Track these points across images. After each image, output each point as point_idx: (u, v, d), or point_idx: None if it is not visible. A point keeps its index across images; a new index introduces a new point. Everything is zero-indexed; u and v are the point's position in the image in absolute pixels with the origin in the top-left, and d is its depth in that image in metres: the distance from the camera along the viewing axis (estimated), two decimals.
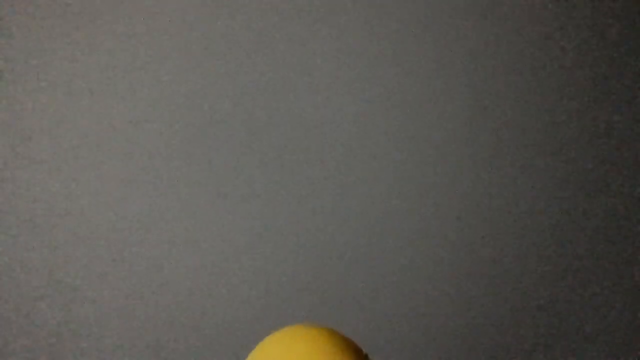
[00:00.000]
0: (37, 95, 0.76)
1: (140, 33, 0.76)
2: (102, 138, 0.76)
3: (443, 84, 0.79)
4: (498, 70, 0.79)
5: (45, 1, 0.75)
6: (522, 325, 0.80)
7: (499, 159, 0.79)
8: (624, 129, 0.80)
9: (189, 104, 0.77)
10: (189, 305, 0.77)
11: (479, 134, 0.79)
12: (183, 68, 0.77)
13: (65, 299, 0.76)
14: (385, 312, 0.79)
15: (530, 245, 0.80)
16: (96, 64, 0.76)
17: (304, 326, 0.60)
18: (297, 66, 0.77)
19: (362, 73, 0.78)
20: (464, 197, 0.79)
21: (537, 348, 0.80)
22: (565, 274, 0.80)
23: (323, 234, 0.78)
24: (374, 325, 0.79)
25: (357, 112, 0.78)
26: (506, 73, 0.79)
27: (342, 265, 0.79)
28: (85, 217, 0.76)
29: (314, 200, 0.78)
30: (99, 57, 0.76)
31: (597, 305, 0.80)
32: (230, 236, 0.78)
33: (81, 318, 0.76)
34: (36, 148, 0.76)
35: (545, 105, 0.80)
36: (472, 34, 0.79)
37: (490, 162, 0.79)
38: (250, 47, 0.77)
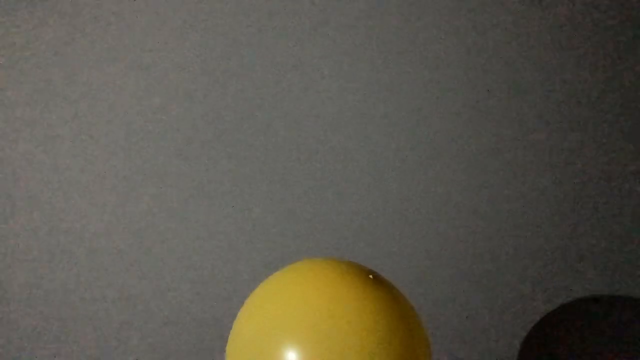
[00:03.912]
0: (36, 95, 0.76)
1: (140, 33, 0.76)
2: (102, 138, 0.77)
3: (443, 84, 0.79)
4: (498, 70, 0.79)
5: (46, 1, 0.76)
6: (521, 325, 0.79)
7: (499, 159, 0.79)
8: (625, 129, 0.80)
9: (189, 104, 0.77)
10: (189, 305, 0.77)
11: (479, 134, 0.79)
12: (183, 68, 0.77)
13: (65, 299, 0.76)
14: None
15: (530, 246, 0.80)
16: (96, 64, 0.76)
17: (311, 260, 0.59)
18: (297, 66, 0.78)
19: (362, 73, 0.78)
20: (464, 196, 0.79)
21: (538, 348, 0.79)
22: (566, 276, 0.80)
23: (322, 234, 0.78)
24: None
25: (356, 112, 0.78)
26: (506, 73, 0.79)
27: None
28: (85, 217, 0.76)
29: (314, 201, 0.78)
30: (99, 57, 0.76)
31: (597, 306, 0.80)
32: (230, 236, 0.78)
33: (81, 318, 0.76)
34: (35, 148, 0.76)
35: (546, 105, 0.80)
36: (472, 34, 0.79)
37: (490, 162, 0.79)
38: (250, 46, 0.77)
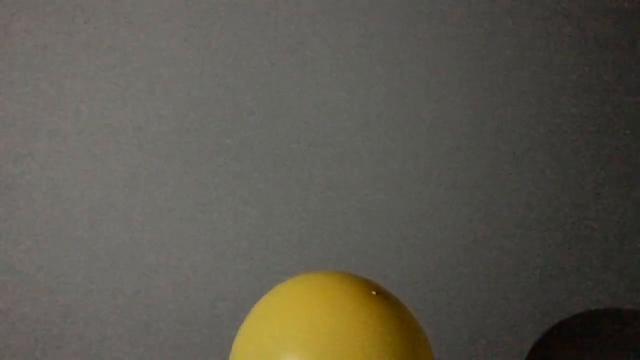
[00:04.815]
0: (36, 96, 0.76)
1: (141, 33, 0.76)
2: (102, 138, 0.76)
3: (443, 84, 0.78)
4: (498, 70, 0.79)
5: (46, 1, 0.75)
6: (521, 326, 0.80)
7: (499, 159, 0.79)
8: (625, 128, 0.80)
9: (189, 104, 0.77)
10: (189, 305, 0.77)
11: (479, 134, 0.79)
12: (183, 68, 0.77)
13: (64, 299, 0.77)
14: None
15: (529, 246, 0.80)
16: (96, 64, 0.76)
17: (313, 273, 0.59)
18: (297, 66, 0.77)
19: (362, 73, 0.78)
20: (466, 201, 0.79)
21: (538, 350, 0.80)
22: (566, 276, 0.80)
23: (322, 234, 0.78)
24: None
25: (357, 112, 0.78)
26: (506, 73, 0.79)
27: (342, 266, 0.79)
28: (84, 218, 0.76)
29: (314, 201, 0.78)
30: (99, 56, 0.76)
31: (597, 307, 0.80)
32: (229, 236, 0.78)
33: (81, 319, 0.77)
34: (36, 148, 0.76)
35: (545, 105, 0.79)
36: (472, 34, 0.78)
37: (490, 162, 0.79)
38: (250, 46, 0.77)
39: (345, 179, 0.78)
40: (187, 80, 0.77)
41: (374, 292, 0.57)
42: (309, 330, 0.54)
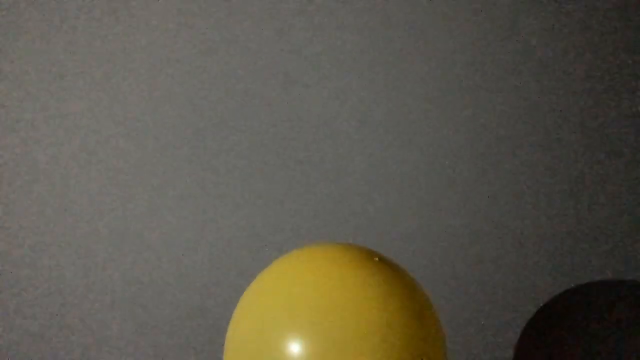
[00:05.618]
0: (36, 95, 0.75)
1: (141, 33, 0.76)
2: (100, 137, 0.76)
3: (443, 84, 0.79)
4: (498, 70, 0.79)
5: (45, 1, 0.75)
6: (519, 326, 0.79)
7: (499, 159, 0.79)
8: (625, 128, 0.80)
9: (189, 104, 0.77)
10: (189, 305, 0.77)
11: (479, 134, 0.79)
12: (183, 68, 0.77)
13: (64, 299, 0.76)
14: None
15: (528, 246, 0.80)
16: (96, 64, 0.76)
17: (314, 245, 0.58)
18: (297, 66, 0.78)
19: (362, 73, 0.78)
20: (464, 196, 0.79)
21: (537, 350, 0.80)
22: (565, 276, 0.80)
23: (322, 234, 0.78)
24: None
25: (357, 112, 0.78)
26: (506, 73, 0.79)
27: None
28: (84, 217, 0.76)
29: (314, 201, 0.78)
30: (99, 57, 0.76)
31: (595, 305, 0.80)
32: (230, 237, 0.77)
33: (79, 318, 0.76)
34: (36, 148, 0.76)
35: (545, 105, 0.80)
36: (471, 34, 0.79)
37: (490, 162, 0.79)
38: (250, 46, 0.77)
39: (346, 177, 0.78)
40: (188, 79, 0.77)
41: (376, 259, 0.56)
42: (312, 297, 0.52)
